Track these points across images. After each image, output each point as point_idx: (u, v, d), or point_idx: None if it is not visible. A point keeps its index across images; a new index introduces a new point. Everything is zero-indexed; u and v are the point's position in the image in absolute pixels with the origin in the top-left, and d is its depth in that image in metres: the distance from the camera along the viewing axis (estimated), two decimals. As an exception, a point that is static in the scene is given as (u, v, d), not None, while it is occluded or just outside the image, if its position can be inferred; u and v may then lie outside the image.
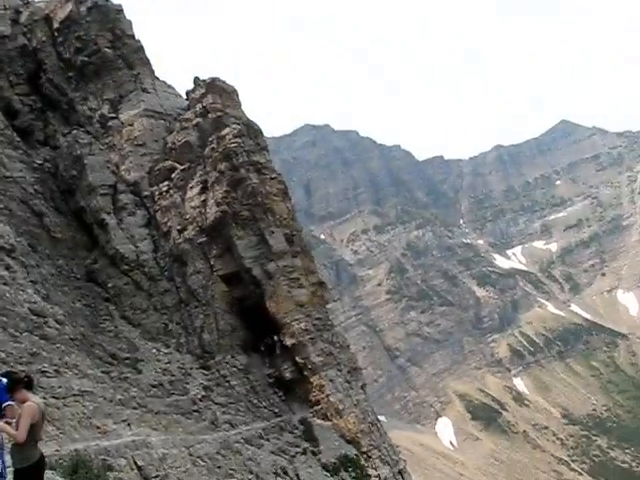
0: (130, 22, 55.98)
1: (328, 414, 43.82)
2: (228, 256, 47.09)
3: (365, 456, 42.33)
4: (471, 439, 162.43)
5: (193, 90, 55.24)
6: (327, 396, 43.99)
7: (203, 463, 27.59)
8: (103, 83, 53.77)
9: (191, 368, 42.02)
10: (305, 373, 44.92)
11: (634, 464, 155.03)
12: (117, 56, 54.12)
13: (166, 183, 49.82)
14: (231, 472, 29.54)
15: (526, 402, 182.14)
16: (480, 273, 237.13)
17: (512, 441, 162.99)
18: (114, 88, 53.74)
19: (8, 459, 8.91)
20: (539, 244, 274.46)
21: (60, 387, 23.98)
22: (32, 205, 43.27)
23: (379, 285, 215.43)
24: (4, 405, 8.70)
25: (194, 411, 36.17)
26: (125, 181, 50.03)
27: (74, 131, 50.47)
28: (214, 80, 53.65)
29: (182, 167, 50.14)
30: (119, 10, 55.48)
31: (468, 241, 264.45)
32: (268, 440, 37.91)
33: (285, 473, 35.26)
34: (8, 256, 33.00)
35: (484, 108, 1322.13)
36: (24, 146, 48.18)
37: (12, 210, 40.53)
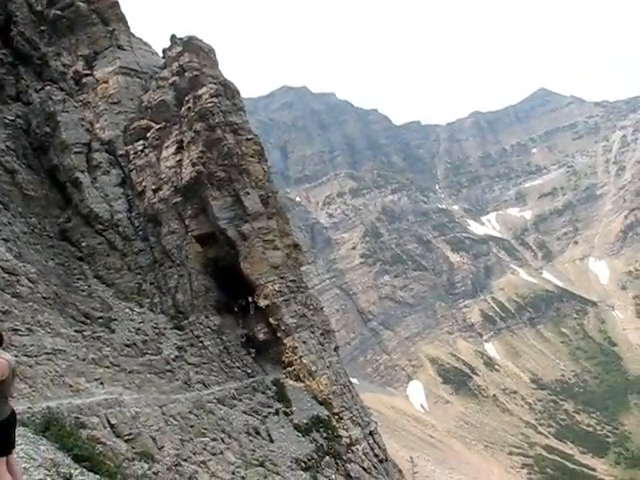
0: (105, -25, 54.69)
1: (301, 375, 44.26)
2: (203, 217, 46.96)
3: (337, 417, 42.86)
4: (442, 402, 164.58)
5: (170, 48, 54.54)
6: (300, 357, 44.38)
7: (176, 422, 27.79)
8: (77, 38, 52.77)
9: (165, 328, 42.09)
10: (278, 334, 45.25)
11: (598, 427, 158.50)
12: (91, 11, 53.06)
13: (141, 142, 49.36)
14: (204, 431, 29.80)
15: (496, 367, 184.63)
16: (454, 239, 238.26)
17: (482, 405, 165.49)
18: (88, 44, 52.79)
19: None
20: (513, 211, 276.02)
21: (32, 345, 23.89)
22: (4, 162, 42.60)
23: (353, 249, 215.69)
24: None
25: (167, 371, 36.30)
26: (100, 139, 49.44)
27: (47, 87, 49.49)
28: (191, 38, 53.02)
29: (158, 126, 49.67)
30: (93, -37, 54.18)
31: (443, 206, 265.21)
32: (241, 400, 38.26)
33: (257, 433, 35.66)
34: (-21, 213, 32.60)
35: (463, 74, 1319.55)
36: (-5, 101, 47.35)
37: (-17, 166, 39.94)
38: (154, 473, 20.13)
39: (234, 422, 34.48)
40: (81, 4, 52.21)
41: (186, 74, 50.82)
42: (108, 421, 21.22)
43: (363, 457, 41.81)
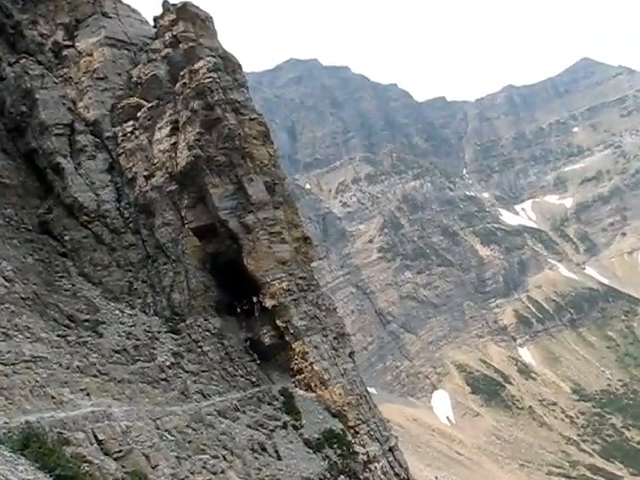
0: None
1: (312, 384, 44.27)
2: (201, 206, 46.97)
3: (352, 431, 42.84)
4: (470, 415, 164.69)
5: (162, 16, 54.37)
6: (311, 364, 44.36)
7: (172, 437, 27.82)
8: (56, 5, 52.74)
9: (159, 332, 42.15)
10: (287, 338, 45.24)
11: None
12: (72, -28, 53.02)
13: (131, 123, 49.36)
14: (203, 447, 29.82)
15: (532, 375, 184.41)
16: (484, 230, 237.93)
17: (516, 418, 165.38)
18: (69, 11, 52.76)
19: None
20: (552, 199, 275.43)
21: (9, 352, 23.99)
22: (-25, 146, 42.75)
23: (370, 242, 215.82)
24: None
25: (162, 380, 36.37)
26: (84, 120, 49.46)
27: (22, 60, 49.29)
28: (186, 5, 52.81)
29: (149, 105, 49.67)
30: None
31: (472, 194, 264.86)
32: (244, 412, 38.29)
33: (263, 449, 35.67)
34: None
35: (493, 43, 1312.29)
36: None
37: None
38: (147, 495, 20.19)
39: (237, 437, 34.51)
40: (60, -34, 52.26)
41: (180, 45, 50.76)
42: (95, 437, 21.25)
43: (382, 476, 41.82)
